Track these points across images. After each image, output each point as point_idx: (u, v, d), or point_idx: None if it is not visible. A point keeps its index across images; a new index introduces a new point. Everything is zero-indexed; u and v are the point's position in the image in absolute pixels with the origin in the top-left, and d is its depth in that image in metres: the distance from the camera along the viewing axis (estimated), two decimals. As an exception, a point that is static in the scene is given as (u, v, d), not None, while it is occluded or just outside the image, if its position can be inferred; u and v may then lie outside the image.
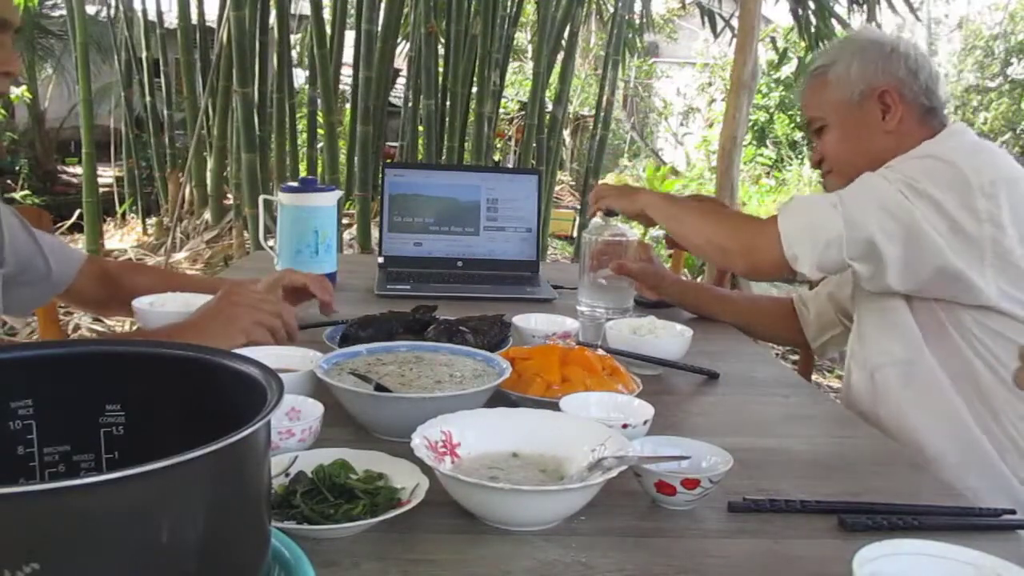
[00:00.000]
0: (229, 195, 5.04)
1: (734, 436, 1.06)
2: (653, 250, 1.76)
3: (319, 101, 4.75)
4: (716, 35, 5.17)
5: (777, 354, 4.59)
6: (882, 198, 1.25)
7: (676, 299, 1.75)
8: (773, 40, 7.31)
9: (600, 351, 1.19)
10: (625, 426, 0.94)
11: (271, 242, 1.84)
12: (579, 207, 5.96)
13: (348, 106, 5.32)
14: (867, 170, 1.33)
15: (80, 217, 5.02)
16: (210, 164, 5.00)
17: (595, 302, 1.67)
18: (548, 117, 4.98)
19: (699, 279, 6.41)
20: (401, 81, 5.82)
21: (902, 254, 1.24)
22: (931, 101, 1.38)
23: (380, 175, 2.42)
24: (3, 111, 7.84)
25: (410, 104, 4.60)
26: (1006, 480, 1.25)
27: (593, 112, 5.89)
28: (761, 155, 11.18)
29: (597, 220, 1.66)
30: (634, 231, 1.77)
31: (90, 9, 5.44)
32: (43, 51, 8.15)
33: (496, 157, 7.08)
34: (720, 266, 1.89)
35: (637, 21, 5.85)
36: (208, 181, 5.05)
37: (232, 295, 1.24)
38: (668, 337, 1.36)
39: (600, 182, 1.87)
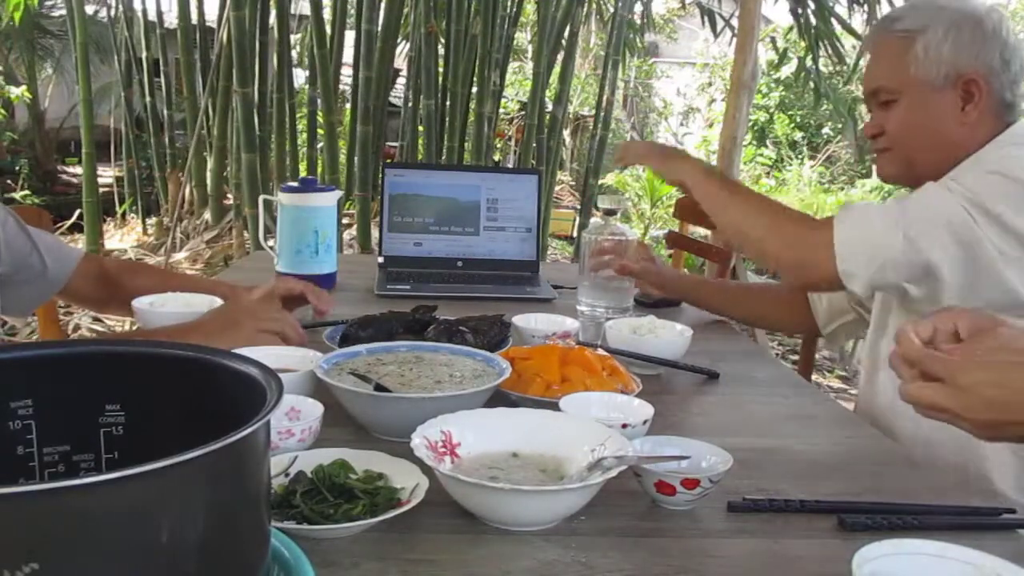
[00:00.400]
0: (229, 195, 5.04)
1: (734, 436, 1.06)
2: (653, 250, 1.75)
3: (319, 101, 4.75)
4: (716, 35, 5.17)
5: (777, 354, 4.59)
6: (947, 217, 1.15)
7: (680, 295, 1.74)
8: (773, 40, 7.30)
9: (600, 351, 1.19)
10: (625, 426, 0.94)
11: (271, 242, 1.84)
12: (579, 207, 5.96)
13: (348, 106, 5.32)
14: (931, 158, 1.25)
15: (80, 217, 5.02)
16: (210, 164, 5.00)
17: (595, 302, 1.67)
18: (548, 117, 4.98)
19: (699, 279, 6.41)
20: (401, 81, 5.81)
21: (963, 280, 1.16)
22: (1014, 95, 1.26)
23: (380, 175, 2.42)
24: (3, 111, 7.84)
25: (410, 104, 4.60)
26: None
27: (593, 112, 5.89)
28: (761, 155, 11.17)
29: (597, 220, 1.66)
30: (634, 231, 1.77)
31: (90, 9, 5.44)
32: (43, 51, 8.15)
33: (496, 157, 7.08)
34: (761, 265, 1.79)
35: (637, 21, 5.85)
36: (208, 181, 5.05)
37: (237, 302, 1.27)
38: (668, 337, 1.36)
39: (635, 142, 1.72)
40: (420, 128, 4.64)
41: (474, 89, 4.52)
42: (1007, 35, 1.25)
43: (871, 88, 1.32)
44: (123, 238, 5.62)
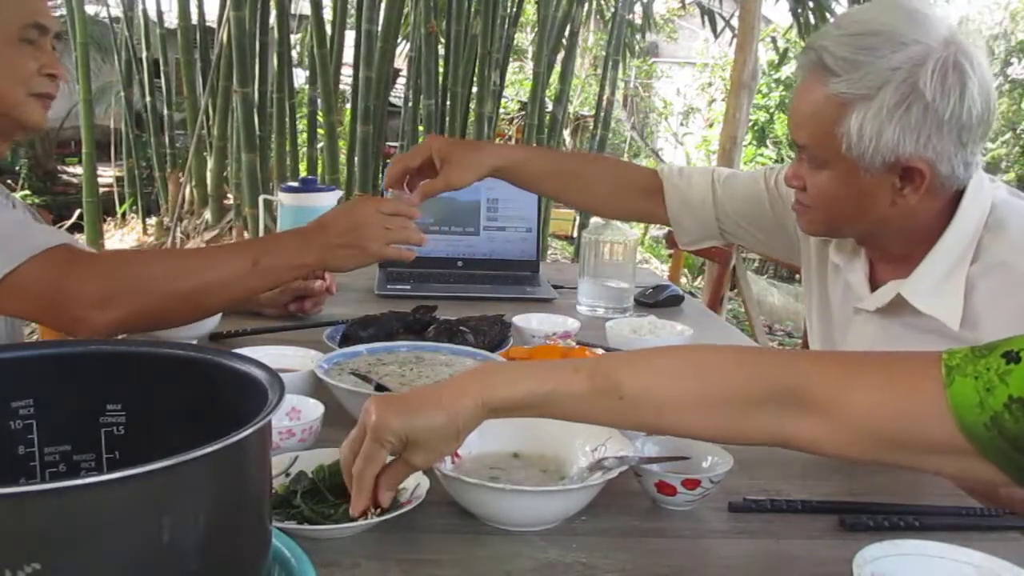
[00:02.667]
0: (229, 195, 5.04)
1: (734, 436, 1.06)
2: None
3: (319, 101, 4.75)
4: (716, 35, 5.17)
5: (777, 354, 4.58)
6: None
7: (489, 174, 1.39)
8: (773, 40, 7.30)
9: (600, 351, 1.19)
10: (625, 426, 0.94)
11: (271, 242, 1.84)
12: (579, 207, 5.95)
13: (348, 106, 5.32)
14: (856, 228, 1.12)
15: (80, 217, 5.02)
16: (210, 164, 4.99)
17: (595, 302, 1.67)
18: (548, 117, 4.98)
19: (699, 279, 6.42)
20: (401, 81, 5.82)
21: None
22: (968, 171, 1.03)
23: (380, 175, 2.42)
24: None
25: (410, 104, 4.60)
26: None
27: (593, 112, 5.89)
28: (761, 155, 11.17)
29: (597, 220, 1.66)
30: (634, 231, 1.76)
31: (90, 9, 5.44)
32: (43, 51, 8.13)
33: (496, 157, 7.06)
34: None
35: (637, 21, 5.85)
36: (208, 181, 5.05)
37: (366, 207, 1.22)
38: (668, 337, 1.36)
39: None
40: (420, 128, 4.64)
41: (474, 89, 4.52)
42: (972, 103, 0.97)
43: (793, 137, 1.11)
44: (123, 238, 5.63)
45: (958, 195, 1.07)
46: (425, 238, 1.23)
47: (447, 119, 4.51)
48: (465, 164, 1.32)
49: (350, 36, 4.78)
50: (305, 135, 5.08)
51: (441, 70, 4.54)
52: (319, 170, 5.00)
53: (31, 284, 1.03)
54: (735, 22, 4.65)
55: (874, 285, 1.18)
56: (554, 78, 5.35)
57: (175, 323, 1.18)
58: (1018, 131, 12.08)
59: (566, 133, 9.11)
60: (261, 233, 1.91)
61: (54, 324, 1.11)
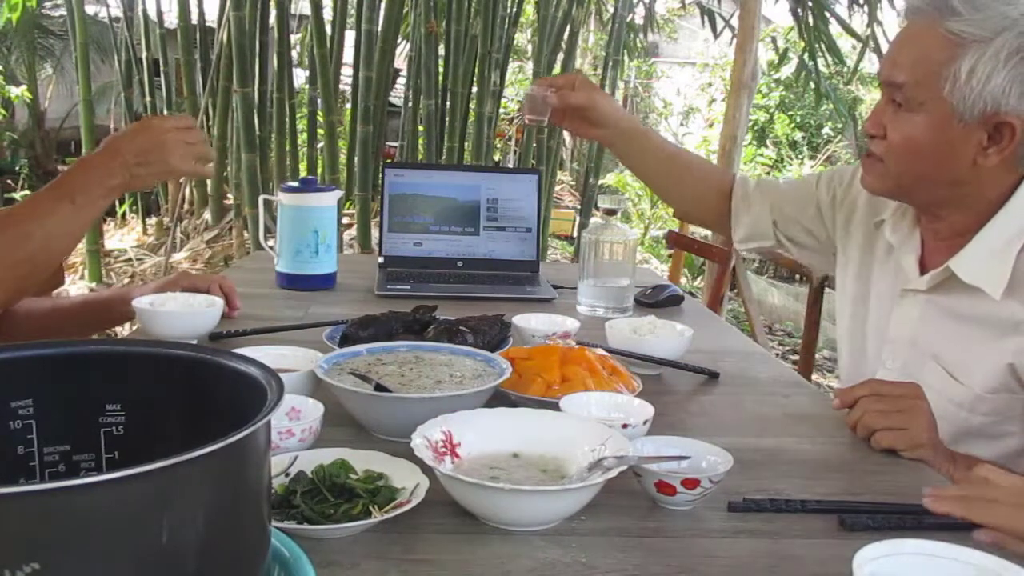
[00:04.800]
0: (229, 195, 5.04)
1: (734, 436, 1.06)
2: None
3: (319, 101, 4.75)
4: (716, 35, 5.17)
5: (777, 354, 4.59)
6: None
7: (609, 141, 1.51)
8: (773, 40, 7.31)
9: (600, 351, 1.19)
10: (625, 426, 0.94)
11: (271, 242, 1.84)
12: (579, 207, 5.96)
13: (348, 106, 5.32)
14: (924, 190, 1.12)
15: (80, 217, 5.01)
16: (210, 164, 4.99)
17: (595, 302, 1.67)
18: (548, 117, 4.97)
19: (699, 279, 6.41)
20: (401, 81, 5.81)
21: None
22: None
23: (380, 175, 2.42)
24: (3, 111, 7.85)
25: (410, 104, 4.61)
26: None
27: (593, 112, 5.88)
28: (761, 155, 11.17)
29: (597, 220, 1.66)
30: (634, 231, 1.76)
31: (90, 9, 5.44)
32: (43, 51, 8.15)
33: (496, 157, 7.07)
34: None
35: (639, 22, 5.85)
36: (208, 181, 5.05)
37: (151, 123, 1.30)
38: (668, 337, 1.35)
39: None
40: (420, 128, 4.64)
41: (474, 89, 4.52)
42: None
43: (888, 77, 1.09)
44: (123, 238, 5.62)
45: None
46: (213, 153, 1.33)
47: (447, 119, 4.52)
48: (606, 103, 1.44)
49: (350, 36, 4.78)
50: (305, 135, 5.08)
51: (441, 70, 4.54)
52: (319, 170, 5.00)
53: None
54: (735, 22, 4.66)
55: (923, 269, 1.21)
56: (554, 78, 5.35)
57: (30, 289, 1.25)
58: (1018, 131, 12.00)
59: (566, 133, 9.11)
60: (262, 234, 1.90)
61: None
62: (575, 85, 1.44)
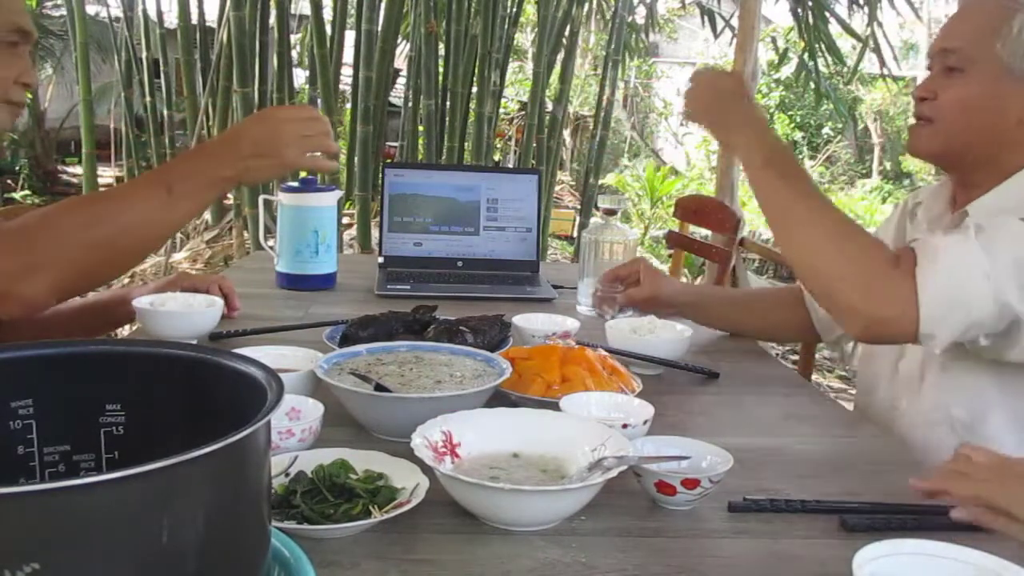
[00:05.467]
0: (229, 195, 5.04)
1: (734, 436, 1.06)
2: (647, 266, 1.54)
3: (319, 101, 4.75)
4: (716, 35, 5.17)
5: (777, 354, 4.58)
6: None
7: (679, 314, 1.55)
8: (773, 40, 7.31)
9: (600, 351, 1.19)
10: (625, 426, 0.94)
11: (271, 242, 1.84)
12: (579, 207, 5.96)
13: (348, 106, 5.32)
14: (973, 149, 1.14)
15: (80, 217, 5.01)
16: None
17: (595, 302, 1.67)
18: (548, 117, 4.97)
19: (699, 279, 6.41)
20: (401, 81, 5.81)
21: None
22: None
23: (380, 175, 2.42)
24: (3, 111, 7.83)
25: (410, 104, 4.60)
26: None
27: (593, 112, 5.89)
28: (761, 155, 11.15)
29: (597, 220, 1.66)
30: (634, 231, 1.76)
31: (90, 9, 5.44)
32: (43, 51, 8.15)
33: (496, 157, 7.08)
34: (821, 305, 1.27)
35: (640, 22, 5.85)
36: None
37: (277, 115, 1.20)
38: (668, 337, 1.35)
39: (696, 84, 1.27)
40: (420, 128, 4.64)
41: (474, 89, 4.52)
42: None
43: (942, 45, 1.16)
44: (123, 238, 5.62)
45: None
46: (338, 147, 1.22)
47: (447, 119, 4.51)
48: (669, 288, 1.51)
49: (350, 36, 4.78)
50: (305, 135, 5.07)
51: (441, 70, 4.54)
52: (319, 170, 4.99)
53: None
54: (735, 22, 4.66)
55: None
56: (554, 78, 5.35)
57: (110, 274, 1.15)
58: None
59: (566, 133, 9.12)
60: (262, 234, 1.89)
61: None
62: (640, 279, 1.51)
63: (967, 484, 0.82)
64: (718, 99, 1.22)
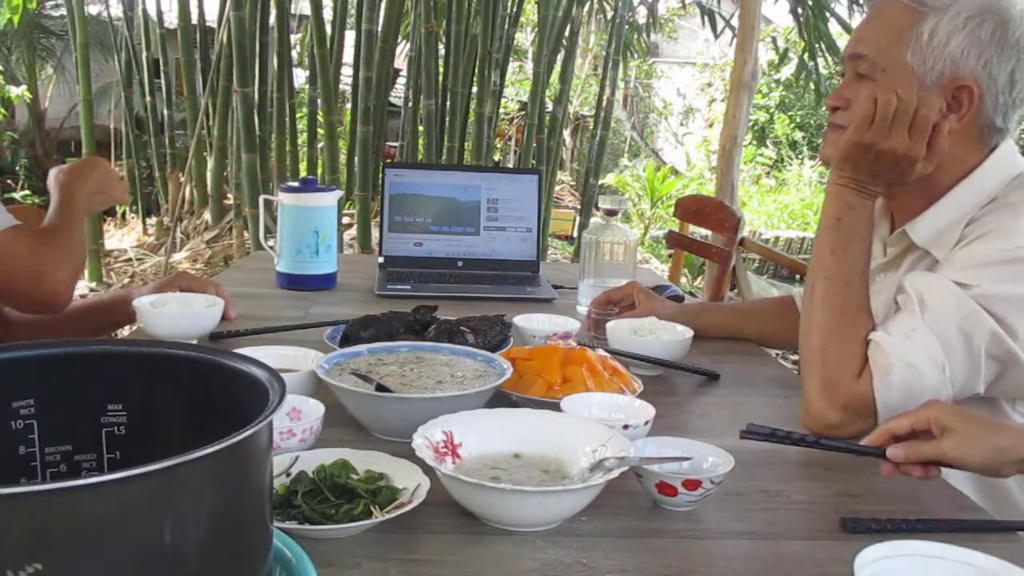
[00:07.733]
0: (229, 195, 5.04)
1: (735, 437, 1.06)
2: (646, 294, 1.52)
3: (319, 101, 4.75)
4: (716, 35, 5.17)
5: (777, 354, 4.58)
6: (981, 338, 1.00)
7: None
8: (773, 40, 7.31)
9: (601, 351, 1.19)
10: (626, 427, 0.94)
11: (271, 242, 1.84)
12: (579, 207, 5.96)
13: (348, 106, 5.32)
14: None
15: (80, 217, 5.00)
16: (210, 164, 4.99)
17: (595, 302, 1.67)
18: (548, 117, 4.98)
19: (699, 279, 6.42)
20: (401, 81, 5.82)
21: (999, 385, 1.05)
22: (1005, 121, 1.09)
23: (380, 175, 2.42)
24: (3, 111, 7.84)
25: (410, 104, 4.60)
26: None
27: (593, 112, 5.89)
28: (761, 155, 11.18)
29: (597, 220, 1.66)
30: (634, 231, 1.76)
31: (91, 9, 5.44)
32: (43, 51, 8.15)
33: (496, 157, 7.08)
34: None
35: (641, 21, 5.86)
36: (208, 181, 5.05)
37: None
38: (669, 338, 1.35)
39: None
40: (420, 128, 4.64)
41: (474, 89, 4.52)
42: None
43: (853, 51, 1.13)
44: (123, 238, 5.63)
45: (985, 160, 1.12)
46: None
47: (447, 119, 4.52)
48: (665, 310, 1.47)
49: (350, 36, 4.79)
50: (305, 135, 5.08)
51: (441, 70, 4.54)
52: (319, 170, 5.01)
53: (16, 250, 1.22)
54: (735, 22, 4.66)
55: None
56: (554, 78, 5.36)
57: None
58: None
59: (566, 133, 9.12)
60: (262, 234, 1.90)
61: (30, 292, 1.27)
62: (635, 302, 1.49)
63: (937, 446, 0.88)
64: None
